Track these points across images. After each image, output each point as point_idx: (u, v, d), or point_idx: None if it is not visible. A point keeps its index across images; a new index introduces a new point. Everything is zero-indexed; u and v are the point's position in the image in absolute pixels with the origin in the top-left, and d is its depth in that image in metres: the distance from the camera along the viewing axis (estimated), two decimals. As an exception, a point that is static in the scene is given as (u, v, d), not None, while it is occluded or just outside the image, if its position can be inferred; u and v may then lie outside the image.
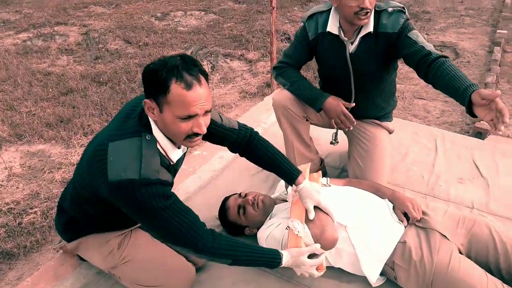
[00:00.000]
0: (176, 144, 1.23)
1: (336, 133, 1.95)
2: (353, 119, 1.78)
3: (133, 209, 1.15)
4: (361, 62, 1.74)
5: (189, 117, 1.09)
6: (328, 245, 1.36)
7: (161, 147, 1.19)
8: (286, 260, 1.31)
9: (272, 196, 1.77)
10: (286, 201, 1.69)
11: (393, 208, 1.55)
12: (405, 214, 1.51)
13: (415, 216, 1.48)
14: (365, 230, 1.46)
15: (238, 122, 1.52)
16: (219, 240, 1.24)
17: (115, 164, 1.10)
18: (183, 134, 1.13)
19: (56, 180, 2.79)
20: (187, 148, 1.36)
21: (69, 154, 3.09)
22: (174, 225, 1.16)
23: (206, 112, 1.13)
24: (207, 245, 1.20)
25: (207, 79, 1.14)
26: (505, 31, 4.95)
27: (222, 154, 2.27)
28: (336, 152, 2.27)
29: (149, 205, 1.11)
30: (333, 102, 1.77)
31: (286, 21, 5.85)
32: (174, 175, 1.29)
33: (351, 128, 1.82)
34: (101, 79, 4.32)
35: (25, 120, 3.52)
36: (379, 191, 1.63)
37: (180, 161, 1.34)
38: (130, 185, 1.08)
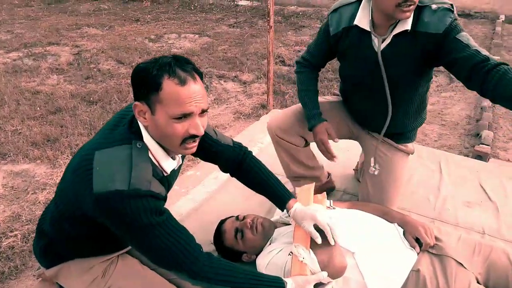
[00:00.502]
0: (170, 153, 1.12)
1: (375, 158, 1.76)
2: (334, 154, 1.67)
3: (121, 225, 1.01)
4: (392, 64, 1.49)
5: (184, 116, 1.00)
6: (336, 273, 1.24)
7: (153, 155, 1.07)
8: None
9: (272, 219, 1.65)
10: (288, 224, 1.57)
11: (403, 233, 1.44)
12: (417, 240, 1.40)
13: (428, 242, 1.37)
14: (375, 256, 1.34)
15: (233, 140, 1.42)
16: (217, 264, 1.11)
17: (102, 174, 0.98)
18: (179, 137, 1.02)
19: (39, 202, 2.63)
20: (182, 161, 1.24)
21: (55, 174, 2.94)
22: (167, 244, 1.03)
23: (203, 111, 1.03)
24: (204, 269, 1.07)
25: (201, 78, 1.05)
26: (498, 57, 5.02)
27: (217, 175, 2.16)
28: (337, 171, 2.16)
29: (139, 221, 0.99)
30: (319, 130, 1.65)
31: (280, 44, 5.87)
32: (168, 189, 1.16)
33: (335, 161, 1.69)
34: (91, 98, 4.22)
35: (10, 139, 3.38)
36: (387, 215, 1.52)
37: (175, 175, 1.22)
38: (117, 196, 0.95)
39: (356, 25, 1.52)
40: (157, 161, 1.08)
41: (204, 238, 1.67)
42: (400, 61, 1.49)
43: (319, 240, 1.25)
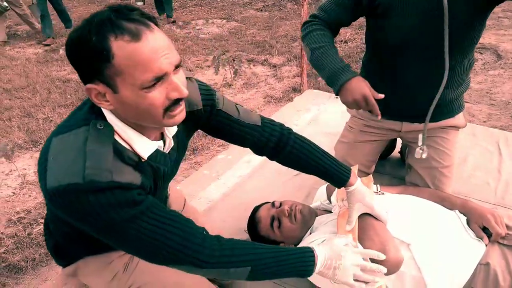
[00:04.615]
0: (148, 131, 0.88)
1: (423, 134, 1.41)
2: (378, 112, 1.28)
3: (86, 223, 0.80)
4: (455, 8, 1.17)
5: (157, 80, 0.76)
6: (391, 269, 1.07)
7: (121, 137, 0.83)
8: (322, 254, 0.97)
9: (312, 206, 1.50)
10: (330, 211, 1.41)
11: (467, 221, 1.25)
12: (484, 229, 1.21)
13: (500, 232, 1.18)
14: (434, 248, 1.16)
15: (262, 117, 1.16)
16: (230, 244, 0.91)
17: (54, 165, 0.78)
18: (159, 109, 0.79)
19: (69, 188, 2.61)
20: (174, 141, 0.98)
21: (85, 161, 2.92)
22: (152, 237, 0.83)
23: (176, 67, 0.79)
24: (215, 254, 0.88)
25: (157, 24, 0.79)
26: None
27: (250, 158, 2.03)
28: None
29: (104, 217, 0.78)
30: (358, 84, 1.27)
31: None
32: (155, 176, 0.92)
33: (379, 118, 1.30)
34: (120, 85, 4.19)
35: (42, 127, 3.40)
36: (445, 201, 1.33)
37: (166, 160, 0.97)
38: (72, 192, 0.76)
39: None
40: (128, 144, 0.84)
41: (236, 225, 1.57)
42: (464, 1, 1.20)
43: (349, 226, 1.14)
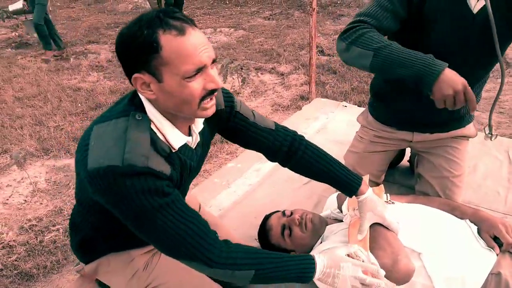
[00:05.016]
0: (180, 125, 0.96)
1: (489, 124, 1.33)
2: (475, 105, 1.13)
3: (118, 207, 0.88)
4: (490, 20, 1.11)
5: (197, 71, 0.85)
6: (402, 279, 1.07)
7: (157, 128, 0.92)
8: (321, 263, 1.01)
9: (322, 214, 1.50)
10: (340, 220, 1.42)
11: (478, 231, 1.25)
12: (495, 239, 1.21)
13: (511, 241, 1.17)
14: (445, 258, 1.16)
15: (276, 123, 1.23)
16: (236, 248, 0.98)
17: (96, 149, 0.86)
18: (196, 98, 0.87)
19: (80, 196, 2.63)
20: (200, 138, 1.05)
21: (95, 169, 2.95)
22: (174, 230, 0.89)
23: (213, 61, 0.88)
24: (222, 256, 0.94)
25: (195, 24, 0.89)
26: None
27: (259, 167, 2.04)
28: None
29: (137, 202, 0.85)
30: (453, 72, 1.10)
31: (318, 34, 5.66)
32: (181, 169, 0.99)
33: (475, 110, 1.20)
34: (130, 93, 4.24)
35: (53, 135, 3.45)
36: (456, 210, 1.33)
37: (192, 154, 1.04)
38: (110, 173, 0.83)
39: None
40: (163, 135, 0.93)
41: (247, 233, 1.57)
42: (500, 14, 1.14)
43: (361, 235, 1.14)
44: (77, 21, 7.28)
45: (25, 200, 2.68)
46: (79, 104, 4.05)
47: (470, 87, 1.09)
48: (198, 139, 1.04)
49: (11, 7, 6.03)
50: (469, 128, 1.59)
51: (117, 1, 8.87)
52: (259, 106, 3.91)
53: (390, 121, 1.61)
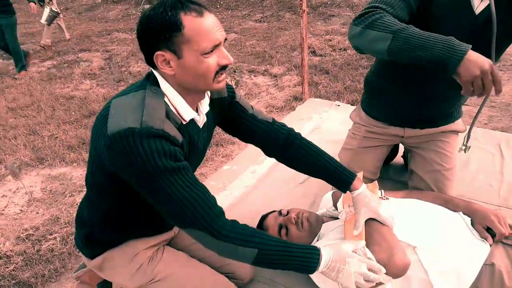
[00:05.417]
0: (190, 101, 1.04)
1: (468, 135, 1.40)
2: (501, 86, 1.06)
3: (133, 168, 0.92)
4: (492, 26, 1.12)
5: (214, 48, 0.95)
6: (398, 273, 1.09)
7: (170, 101, 1.00)
8: (327, 255, 1.02)
9: (318, 213, 1.52)
10: (336, 218, 1.43)
11: (471, 222, 1.27)
12: (488, 230, 1.23)
13: (503, 232, 1.19)
14: (440, 250, 1.18)
15: (273, 119, 1.29)
16: (243, 226, 1.01)
17: (116, 116, 0.94)
18: (212, 72, 0.97)
19: (77, 204, 2.63)
20: (207, 118, 1.12)
21: (91, 176, 2.95)
22: (184, 195, 0.94)
23: (224, 40, 0.99)
24: (226, 228, 0.97)
25: (208, 10, 1.01)
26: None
27: (254, 169, 2.05)
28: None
29: (151, 163, 0.91)
30: (476, 53, 1.04)
31: (310, 35, 5.69)
32: (189, 141, 1.05)
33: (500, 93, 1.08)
34: (123, 100, 4.24)
35: (47, 144, 3.44)
36: (449, 203, 1.35)
37: (199, 132, 1.10)
38: (129, 134, 0.90)
39: None
40: (174, 107, 1.01)
41: (245, 235, 1.57)
42: (501, 21, 1.16)
43: (356, 231, 1.16)
44: (68, 30, 7.27)
45: (21, 210, 2.68)
46: (73, 112, 4.04)
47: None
48: (205, 119, 1.11)
49: (43, 19, 5.93)
50: (458, 124, 1.63)
51: (107, 9, 8.88)
52: (253, 109, 3.93)
53: (382, 116, 1.64)
